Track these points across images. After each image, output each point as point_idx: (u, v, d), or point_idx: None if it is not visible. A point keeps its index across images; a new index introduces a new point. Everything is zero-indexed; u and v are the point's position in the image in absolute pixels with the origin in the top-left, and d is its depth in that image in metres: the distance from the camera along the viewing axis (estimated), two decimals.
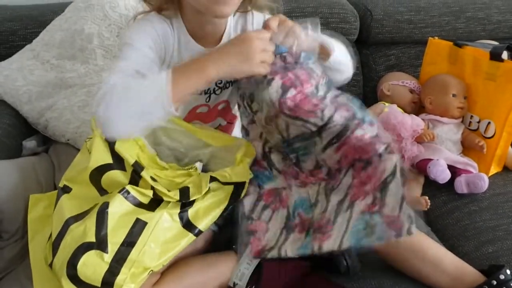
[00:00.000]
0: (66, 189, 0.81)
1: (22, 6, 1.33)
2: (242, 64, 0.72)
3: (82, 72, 1.13)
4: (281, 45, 0.75)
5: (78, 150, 1.07)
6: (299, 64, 0.76)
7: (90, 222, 0.72)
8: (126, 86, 0.71)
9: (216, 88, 0.88)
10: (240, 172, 0.79)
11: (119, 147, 0.78)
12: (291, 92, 0.74)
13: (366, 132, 0.74)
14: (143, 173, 0.77)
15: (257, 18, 0.89)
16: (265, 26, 0.76)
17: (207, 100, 0.91)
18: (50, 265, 0.76)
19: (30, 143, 1.09)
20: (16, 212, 0.90)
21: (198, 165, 0.81)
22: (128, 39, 0.80)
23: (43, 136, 1.15)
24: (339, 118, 0.74)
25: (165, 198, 0.76)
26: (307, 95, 0.74)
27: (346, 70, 0.90)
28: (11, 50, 1.21)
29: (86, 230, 0.72)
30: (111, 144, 0.78)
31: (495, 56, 1.16)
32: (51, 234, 0.79)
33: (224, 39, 0.87)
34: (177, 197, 0.76)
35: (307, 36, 0.77)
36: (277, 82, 0.74)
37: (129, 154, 0.78)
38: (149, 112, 0.71)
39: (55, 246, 0.74)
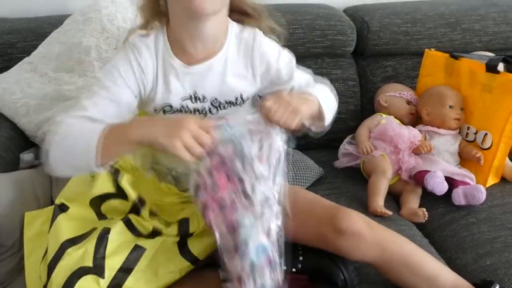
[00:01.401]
0: (63, 208, 0.82)
1: (21, 18, 1.34)
2: (163, 138, 0.68)
3: (80, 85, 1.13)
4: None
5: None
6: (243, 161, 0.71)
7: (90, 246, 0.73)
8: (66, 134, 0.74)
9: (212, 107, 0.86)
10: None
11: (123, 183, 0.79)
12: (202, 195, 0.70)
13: None
14: (143, 212, 0.78)
15: (264, 45, 0.86)
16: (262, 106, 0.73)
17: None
18: (45, 287, 0.75)
19: (27, 156, 1.09)
20: (13, 227, 0.90)
21: None
22: (105, 74, 0.81)
23: (40, 147, 1.15)
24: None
25: (164, 232, 0.77)
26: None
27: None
28: (10, 63, 1.21)
29: (84, 255, 0.72)
30: (115, 175, 0.79)
31: (491, 68, 1.17)
32: (46, 253, 0.79)
33: (221, 54, 0.84)
34: (176, 232, 0.77)
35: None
36: (194, 179, 0.70)
37: (132, 188, 0.79)
38: (80, 167, 0.74)
39: (50, 267, 0.74)
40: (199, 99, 0.84)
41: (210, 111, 0.86)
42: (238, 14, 0.86)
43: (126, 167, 0.86)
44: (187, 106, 0.84)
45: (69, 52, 1.17)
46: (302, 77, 0.92)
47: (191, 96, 0.83)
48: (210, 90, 0.83)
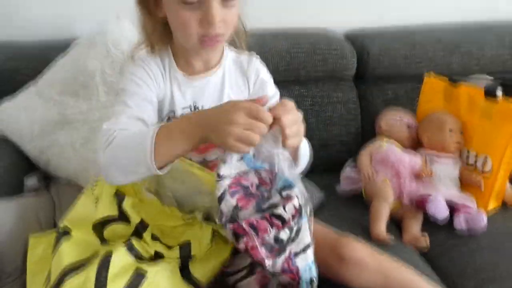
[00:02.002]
0: (66, 232, 0.82)
1: (26, 42, 1.35)
2: (216, 139, 0.69)
3: (84, 109, 1.15)
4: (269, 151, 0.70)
5: (79, 186, 1.09)
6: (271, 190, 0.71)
7: (92, 273, 0.73)
8: (120, 139, 0.74)
9: None
10: None
11: (126, 206, 0.79)
12: (243, 240, 0.69)
13: None
14: (145, 235, 0.79)
15: (259, 65, 0.93)
16: (271, 111, 0.69)
17: None
18: None
19: (31, 180, 1.09)
20: (15, 252, 0.89)
21: (198, 215, 0.82)
22: (125, 85, 0.83)
23: (44, 171, 1.16)
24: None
25: (166, 255, 0.77)
26: (260, 244, 0.69)
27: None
28: (15, 88, 1.22)
29: (86, 281, 0.72)
30: (119, 199, 0.80)
31: (489, 93, 1.18)
32: (49, 278, 0.78)
33: (220, 70, 0.89)
34: (177, 255, 0.77)
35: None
36: (229, 231, 0.69)
37: (135, 211, 0.80)
38: (135, 171, 0.74)
39: None
40: (197, 109, 0.88)
41: None
42: None
43: (129, 191, 0.87)
44: None
45: (74, 76, 1.19)
46: None
47: (190, 106, 0.87)
48: (209, 102, 0.87)
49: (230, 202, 0.70)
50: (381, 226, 1.10)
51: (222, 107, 0.71)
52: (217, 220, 0.72)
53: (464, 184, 1.23)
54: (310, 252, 0.71)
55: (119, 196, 0.82)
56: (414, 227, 1.14)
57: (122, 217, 0.81)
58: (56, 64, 1.23)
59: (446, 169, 1.22)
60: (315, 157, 1.40)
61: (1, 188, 1.04)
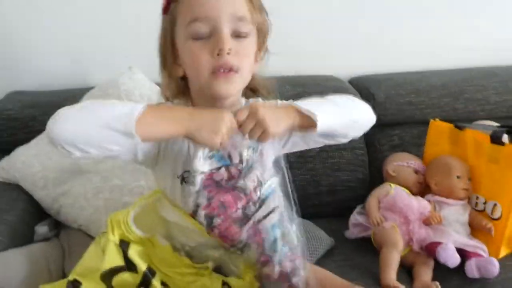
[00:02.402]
0: (76, 284, 0.82)
1: (42, 91, 1.40)
2: (207, 135, 0.73)
3: (97, 159, 1.17)
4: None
5: (89, 236, 1.11)
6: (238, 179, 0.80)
7: None
8: (99, 101, 0.76)
9: None
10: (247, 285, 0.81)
11: (132, 254, 0.80)
12: (216, 221, 0.79)
13: (274, 269, 0.78)
14: (154, 282, 0.79)
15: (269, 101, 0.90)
16: (235, 112, 0.76)
17: None
18: None
19: (42, 229, 1.10)
20: None
21: (210, 264, 0.82)
22: None
23: (55, 219, 1.17)
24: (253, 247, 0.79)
25: None
26: (232, 223, 0.79)
27: (355, 126, 0.88)
28: (30, 135, 1.25)
29: None
30: (124, 249, 0.81)
31: (495, 139, 1.19)
32: None
33: None
34: None
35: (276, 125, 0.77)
36: (201, 214, 0.79)
37: (141, 258, 0.80)
38: (108, 125, 0.67)
39: None
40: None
41: None
42: (249, 90, 0.90)
43: (135, 239, 0.87)
44: None
45: None
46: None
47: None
48: None
49: (204, 194, 0.79)
50: (391, 275, 1.08)
51: (214, 110, 0.76)
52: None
53: (475, 229, 1.22)
54: (272, 216, 0.80)
55: (123, 244, 0.82)
56: (425, 275, 1.12)
57: (129, 265, 0.81)
58: None
59: (455, 214, 1.22)
60: (323, 202, 1.42)
61: (13, 236, 1.05)
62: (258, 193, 0.80)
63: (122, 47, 1.44)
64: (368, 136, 1.49)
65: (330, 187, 1.41)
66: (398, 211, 1.20)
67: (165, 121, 0.73)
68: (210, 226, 0.80)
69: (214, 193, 0.80)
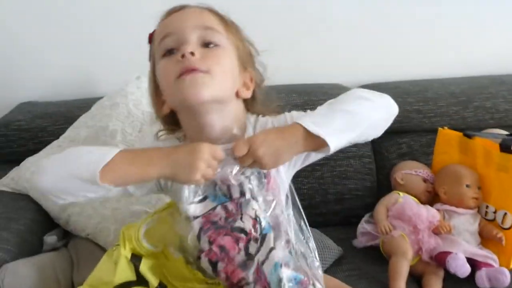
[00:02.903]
0: None
1: (51, 102, 1.42)
2: (184, 174, 0.71)
3: None
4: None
5: (97, 245, 1.11)
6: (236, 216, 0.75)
7: None
8: (77, 149, 0.74)
9: None
10: None
11: (143, 269, 0.80)
12: (220, 266, 0.75)
13: None
14: None
15: (277, 119, 0.85)
16: (233, 147, 0.73)
17: None
18: None
19: (51, 239, 1.11)
20: None
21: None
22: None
23: (63, 229, 1.18)
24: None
25: None
26: (236, 266, 0.74)
27: (377, 126, 0.81)
28: (40, 146, 1.27)
29: None
30: (135, 264, 0.80)
31: (504, 148, 1.18)
32: None
33: None
34: None
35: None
36: (204, 260, 0.75)
37: (153, 273, 0.80)
38: (81, 176, 0.68)
39: None
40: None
41: None
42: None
43: (146, 253, 0.87)
44: None
45: (96, 135, 1.23)
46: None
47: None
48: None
49: (205, 239, 0.75)
50: (401, 284, 1.07)
51: (190, 146, 0.73)
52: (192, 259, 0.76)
53: (485, 238, 1.20)
54: (274, 254, 0.73)
55: (135, 258, 0.82)
56: (435, 285, 1.11)
57: (140, 280, 0.81)
58: (79, 124, 1.29)
59: (465, 223, 1.21)
60: (331, 210, 1.42)
61: (22, 245, 1.05)
62: (258, 229, 0.74)
63: (130, 56, 1.44)
64: (376, 144, 1.49)
65: (338, 195, 1.40)
66: (407, 219, 1.18)
67: (138, 164, 0.71)
68: (215, 271, 0.76)
69: (214, 236, 0.75)
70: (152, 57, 0.81)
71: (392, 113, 0.83)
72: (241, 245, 0.74)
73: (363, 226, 1.28)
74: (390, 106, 0.83)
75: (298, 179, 1.35)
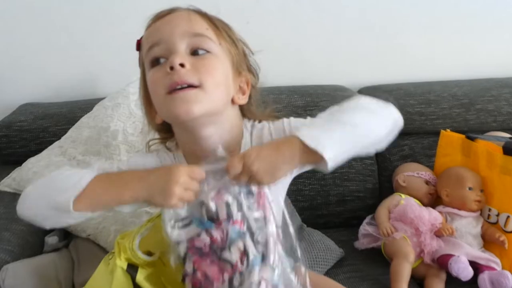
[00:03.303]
0: None
1: (53, 103, 1.42)
2: (159, 199, 0.68)
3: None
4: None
5: (98, 245, 1.11)
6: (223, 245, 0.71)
7: None
8: (57, 174, 0.72)
9: None
10: None
11: (140, 279, 0.79)
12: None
13: None
14: None
15: (275, 125, 0.81)
16: (227, 166, 0.68)
17: None
18: None
19: (52, 239, 1.11)
20: None
21: None
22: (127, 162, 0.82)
23: (64, 230, 1.18)
24: None
25: None
26: None
27: (380, 139, 0.74)
28: (41, 146, 1.28)
29: None
30: (131, 274, 0.80)
31: (507, 151, 1.18)
32: None
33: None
34: None
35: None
36: (188, 285, 0.71)
37: (150, 283, 0.79)
38: (57, 204, 0.67)
39: None
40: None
41: None
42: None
43: (141, 263, 0.86)
44: None
45: (97, 136, 1.23)
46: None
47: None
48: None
49: (190, 263, 0.72)
50: (402, 287, 1.07)
51: (164, 169, 0.70)
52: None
53: (487, 241, 1.20)
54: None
55: (131, 268, 0.81)
56: (437, 287, 1.10)
57: None
58: (80, 125, 1.29)
59: (467, 226, 1.20)
60: (332, 212, 1.41)
61: (23, 246, 1.06)
62: (245, 262, 0.69)
63: (131, 57, 1.44)
64: None
65: (339, 197, 1.40)
66: (409, 222, 1.18)
67: (113, 188, 0.69)
68: None
69: (198, 263, 0.72)
70: (141, 65, 0.78)
71: (396, 127, 0.76)
72: (226, 276, 0.71)
73: (365, 228, 1.27)
74: (395, 119, 0.76)
75: (300, 180, 1.35)
